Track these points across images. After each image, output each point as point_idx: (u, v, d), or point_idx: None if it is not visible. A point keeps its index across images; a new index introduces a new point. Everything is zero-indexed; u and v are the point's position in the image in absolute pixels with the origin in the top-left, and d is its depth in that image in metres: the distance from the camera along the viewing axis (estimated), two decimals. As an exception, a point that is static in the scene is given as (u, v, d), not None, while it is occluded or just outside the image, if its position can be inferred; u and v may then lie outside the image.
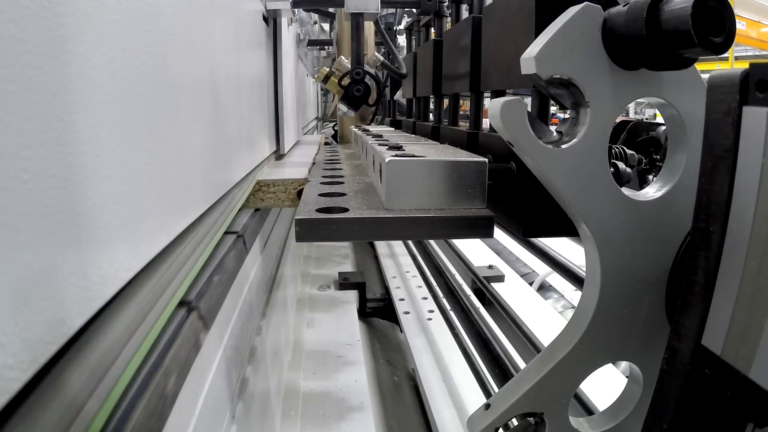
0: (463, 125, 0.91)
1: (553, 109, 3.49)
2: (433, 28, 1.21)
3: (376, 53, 1.36)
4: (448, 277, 1.70)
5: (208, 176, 0.49)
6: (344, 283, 1.60)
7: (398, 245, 2.07)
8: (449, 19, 1.10)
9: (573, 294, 1.86)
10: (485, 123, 0.73)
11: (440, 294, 1.56)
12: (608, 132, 0.42)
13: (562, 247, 0.91)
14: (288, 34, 1.17)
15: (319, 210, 0.50)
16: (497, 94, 0.66)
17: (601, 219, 0.42)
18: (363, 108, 1.13)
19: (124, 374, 0.29)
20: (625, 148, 0.88)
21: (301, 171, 0.79)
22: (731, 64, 8.41)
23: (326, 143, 1.57)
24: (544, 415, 0.46)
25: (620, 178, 0.52)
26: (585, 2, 0.41)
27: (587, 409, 0.93)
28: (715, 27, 0.35)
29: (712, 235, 0.32)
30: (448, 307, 1.46)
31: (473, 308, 1.43)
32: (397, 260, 1.92)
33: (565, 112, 0.49)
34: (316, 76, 1.42)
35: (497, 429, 0.48)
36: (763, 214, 0.29)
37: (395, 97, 1.76)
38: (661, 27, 0.37)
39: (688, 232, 0.41)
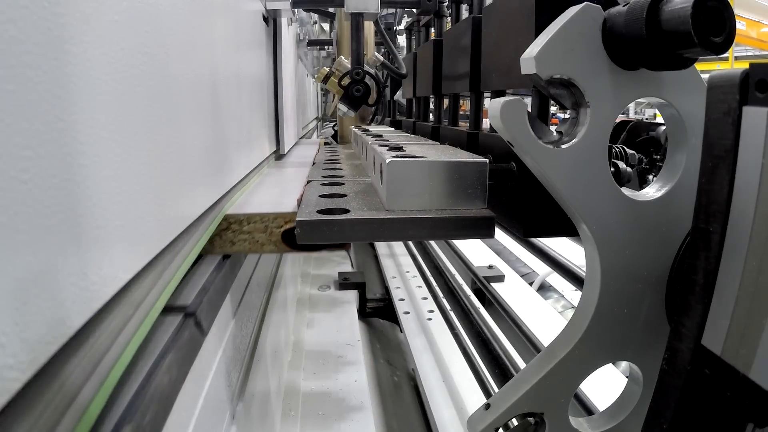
0: (463, 125, 0.91)
1: (553, 109, 3.49)
2: (433, 28, 1.21)
3: (376, 53, 1.36)
4: (448, 277, 1.70)
5: (207, 175, 0.49)
6: (344, 283, 1.60)
7: (398, 245, 2.07)
8: (449, 19, 1.10)
9: (573, 294, 1.86)
10: (485, 123, 0.73)
11: (440, 294, 1.56)
12: (608, 132, 0.42)
13: (562, 247, 0.91)
14: (288, 34, 1.17)
15: (320, 211, 0.50)
16: (497, 94, 0.66)
17: (601, 219, 0.42)
18: (363, 108, 1.13)
19: (123, 374, 0.29)
20: (625, 147, 0.88)
21: (290, 200, 0.59)
22: (731, 64, 8.42)
23: (326, 143, 1.57)
24: (544, 415, 0.46)
25: (620, 178, 0.52)
26: (585, 2, 0.41)
27: (587, 409, 0.93)
28: (715, 27, 0.35)
29: (712, 235, 0.32)
30: (448, 307, 1.46)
31: (473, 308, 1.43)
32: (397, 260, 1.92)
33: (565, 112, 0.49)
34: (316, 76, 1.42)
35: (497, 429, 0.48)
36: (763, 214, 0.29)
37: (395, 97, 1.76)
38: (661, 27, 0.37)
39: (688, 232, 0.41)
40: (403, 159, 0.51)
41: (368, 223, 0.49)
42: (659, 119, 3.17)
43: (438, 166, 0.51)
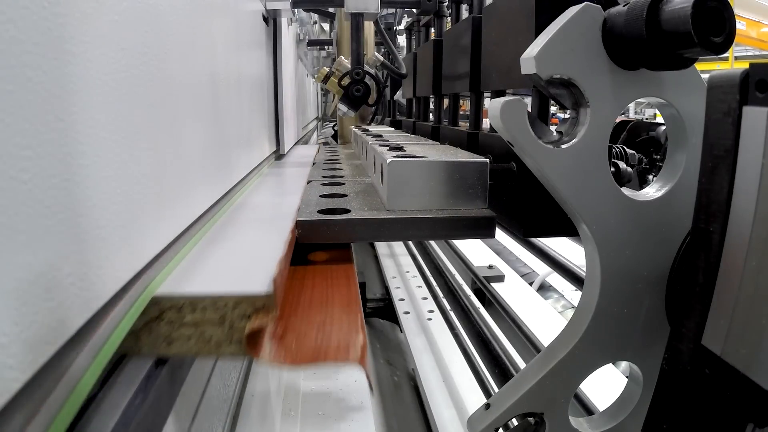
0: (463, 125, 0.91)
1: (553, 109, 3.50)
2: (433, 28, 1.21)
3: (376, 53, 1.36)
4: (448, 277, 1.70)
5: (206, 175, 0.49)
6: (344, 283, 1.60)
7: (398, 245, 2.07)
8: (449, 19, 1.10)
9: (573, 294, 1.86)
10: (485, 123, 0.73)
11: (440, 294, 1.55)
12: (608, 132, 0.42)
13: (562, 247, 0.91)
14: (288, 34, 1.17)
15: (321, 211, 0.50)
16: (497, 94, 0.66)
17: (601, 219, 0.42)
18: (363, 108, 1.13)
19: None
20: (625, 147, 0.88)
21: (269, 263, 0.37)
22: (731, 64, 8.41)
23: (325, 143, 1.57)
24: (544, 415, 0.46)
25: (620, 178, 0.52)
26: (585, 2, 0.41)
27: (587, 409, 0.93)
28: (715, 27, 0.35)
29: (712, 235, 0.32)
30: (448, 307, 1.46)
31: (473, 308, 1.43)
32: (397, 260, 1.91)
33: (565, 112, 0.49)
34: (316, 76, 1.42)
35: (497, 429, 0.48)
36: (763, 214, 0.29)
37: (395, 97, 1.76)
38: (661, 27, 0.37)
39: (688, 232, 0.41)
40: (403, 159, 0.51)
41: (369, 223, 0.49)
42: (659, 119, 3.17)
43: (438, 166, 0.51)
